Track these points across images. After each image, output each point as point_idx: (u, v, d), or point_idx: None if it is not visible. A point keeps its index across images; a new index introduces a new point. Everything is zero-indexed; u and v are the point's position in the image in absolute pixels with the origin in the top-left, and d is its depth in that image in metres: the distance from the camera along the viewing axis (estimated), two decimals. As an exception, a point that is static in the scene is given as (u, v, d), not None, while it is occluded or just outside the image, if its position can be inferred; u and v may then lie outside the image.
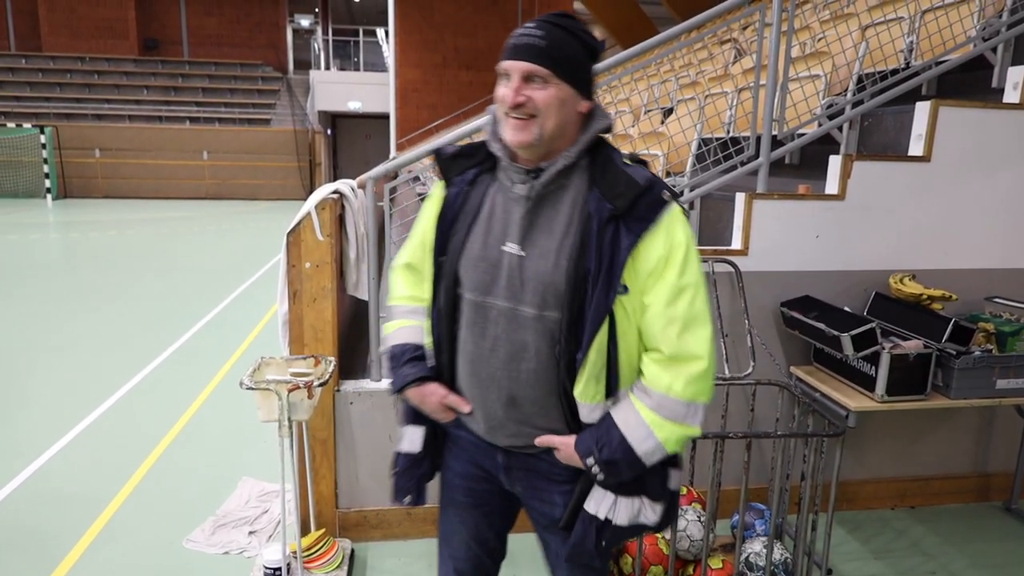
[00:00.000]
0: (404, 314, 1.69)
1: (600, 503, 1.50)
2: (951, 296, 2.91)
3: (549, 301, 1.43)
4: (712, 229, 3.74)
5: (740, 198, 3.07)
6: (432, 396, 1.59)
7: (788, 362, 3.16)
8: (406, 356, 1.63)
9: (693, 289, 1.42)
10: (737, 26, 7.15)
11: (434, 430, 1.68)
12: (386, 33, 19.79)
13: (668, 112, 5.53)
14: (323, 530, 2.85)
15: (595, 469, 1.45)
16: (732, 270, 3.01)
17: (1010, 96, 3.13)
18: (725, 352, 3.02)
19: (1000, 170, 3.13)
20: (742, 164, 3.38)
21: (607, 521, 1.50)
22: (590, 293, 1.40)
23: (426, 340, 1.63)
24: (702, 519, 2.65)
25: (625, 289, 1.40)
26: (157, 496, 3.42)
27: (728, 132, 4.42)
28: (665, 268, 1.41)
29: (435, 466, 1.72)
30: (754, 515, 2.78)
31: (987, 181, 3.13)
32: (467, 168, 1.56)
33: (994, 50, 3.43)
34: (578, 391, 1.45)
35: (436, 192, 1.61)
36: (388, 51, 19.55)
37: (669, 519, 1.59)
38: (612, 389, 1.46)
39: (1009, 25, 3.44)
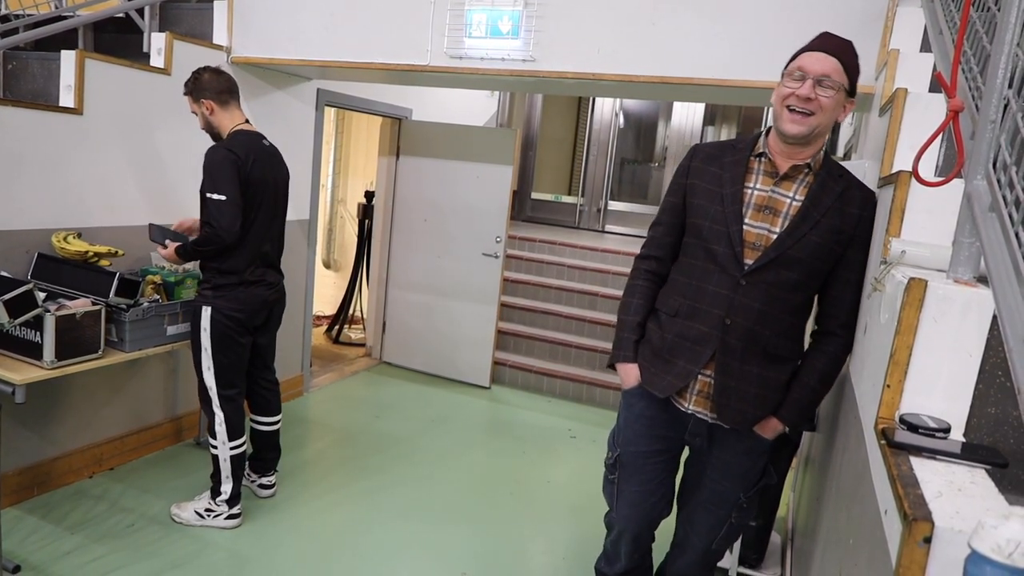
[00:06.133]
0: None
1: None
2: (118, 252, 2.92)
3: None
4: None
5: None
6: None
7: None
8: None
9: None
10: None
11: None
12: None
13: None
14: None
15: None
16: None
17: (156, 60, 3.30)
18: None
19: (155, 130, 3.29)
20: None
21: None
22: None
23: None
24: None
25: None
26: None
27: None
28: None
29: None
30: None
31: (144, 139, 3.25)
32: None
33: (141, 14, 3.54)
34: None
35: None
36: None
37: None
38: None
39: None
